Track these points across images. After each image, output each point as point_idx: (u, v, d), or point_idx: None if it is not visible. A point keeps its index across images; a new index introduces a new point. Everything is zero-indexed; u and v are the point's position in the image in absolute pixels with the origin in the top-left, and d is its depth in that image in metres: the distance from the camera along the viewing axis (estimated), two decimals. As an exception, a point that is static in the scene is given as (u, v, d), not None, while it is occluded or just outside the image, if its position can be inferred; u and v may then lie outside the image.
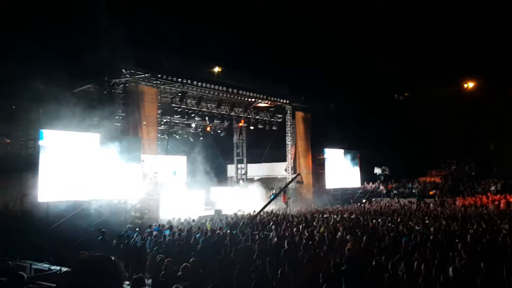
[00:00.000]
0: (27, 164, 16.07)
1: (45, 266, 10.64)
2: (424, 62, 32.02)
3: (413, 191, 30.28)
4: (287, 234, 12.56)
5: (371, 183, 33.15)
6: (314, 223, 16.12)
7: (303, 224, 15.49)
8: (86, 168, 16.77)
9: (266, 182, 31.75)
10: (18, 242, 12.18)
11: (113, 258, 1.73)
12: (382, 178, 33.56)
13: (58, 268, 10.12)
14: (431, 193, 28.78)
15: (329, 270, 8.44)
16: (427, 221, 15.52)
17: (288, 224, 15.59)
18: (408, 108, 34.89)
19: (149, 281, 9.46)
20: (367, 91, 33.36)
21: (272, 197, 27.55)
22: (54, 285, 7.44)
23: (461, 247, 9.03)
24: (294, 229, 13.86)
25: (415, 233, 12.23)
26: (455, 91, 32.98)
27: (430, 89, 33.34)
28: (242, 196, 26.09)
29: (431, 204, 23.70)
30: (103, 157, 17.42)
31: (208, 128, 30.02)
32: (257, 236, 12.75)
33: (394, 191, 31.25)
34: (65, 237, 14.26)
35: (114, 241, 12.77)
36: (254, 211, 20.19)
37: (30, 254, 11.63)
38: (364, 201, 28.75)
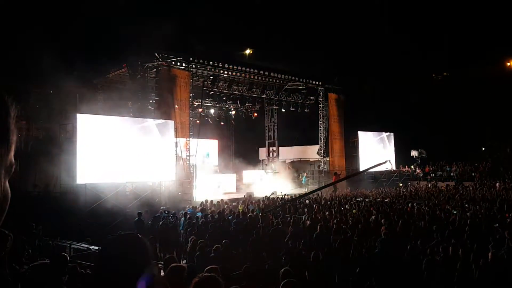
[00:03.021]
0: (65, 147, 16.61)
1: (84, 246, 11.02)
2: (464, 40, 30.60)
3: (451, 174, 29.34)
4: (319, 217, 12.45)
5: (406, 166, 32.35)
6: (347, 206, 15.92)
7: (336, 207, 15.33)
8: (121, 151, 17.17)
9: (298, 165, 31.59)
10: (58, 223, 12.65)
11: (139, 236, 1.72)
12: (419, 161, 32.62)
13: (97, 248, 10.45)
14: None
15: (362, 253, 8.30)
16: (466, 205, 15.02)
17: (320, 207, 15.46)
18: (446, 89, 33.57)
19: (183, 262, 9.64)
20: (403, 71, 32.26)
21: (304, 180, 27.45)
22: (93, 264, 7.65)
23: (507, 234, 8.62)
24: (327, 213, 13.73)
25: (453, 217, 11.86)
26: (497, 71, 31.38)
27: (470, 69, 31.85)
28: (273, 179, 26.09)
29: (470, 188, 22.91)
30: (137, 140, 17.80)
31: (234, 111, 30.08)
32: (289, 219, 12.71)
33: (431, 174, 30.38)
34: (103, 218, 14.73)
35: (150, 222, 13.07)
36: (286, 194, 20.25)
37: (69, 234, 12.09)
38: (401, 185, 28.13)
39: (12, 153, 1.06)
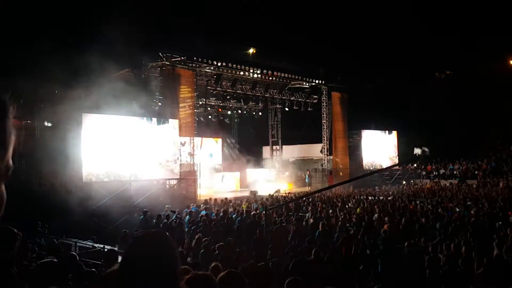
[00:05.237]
0: (70, 146, 16.73)
1: (89, 244, 11.13)
2: (467, 38, 30.50)
3: (454, 172, 29.28)
4: (322, 215, 12.51)
5: (410, 164, 32.27)
6: (350, 204, 15.95)
7: (339, 206, 15.37)
8: (126, 149, 17.31)
9: (302, 163, 31.62)
10: (63, 221, 12.77)
11: (167, 234, 1.73)
12: (422, 159, 32.50)
13: (102, 246, 10.56)
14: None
15: (365, 251, 8.36)
16: (468, 203, 15.03)
17: (323, 205, 15.50)
18: (449, 86, 33.48)
19: (188, 259, 9.72)
20: (406, 69, 32.17)
21: (307, 178, 27.48)
22: (99, 262, 7.75)
23: (510, 232, 8.62)
24: (330, 210, 13.78)
25: (456, 215, 11.88)
26: (500, 69, 31.23)
27: (473, 66, 31.72)
28: (277, 178, 26.14)
29: (474, 186, 22.87)
30: (141, 139, 17.92)
31: (240, 111, 30.13)
32: (292, 217, 12.77)
33: (434, 172, 30.32)
34: (108, 216, 14.85)
35: (154, 220, 13.15)
36: (289, 193, 20.35)
37: (74, 232, 12.20)
38: (404, 182, 28.11)
39: (9, 156, 0.97)
